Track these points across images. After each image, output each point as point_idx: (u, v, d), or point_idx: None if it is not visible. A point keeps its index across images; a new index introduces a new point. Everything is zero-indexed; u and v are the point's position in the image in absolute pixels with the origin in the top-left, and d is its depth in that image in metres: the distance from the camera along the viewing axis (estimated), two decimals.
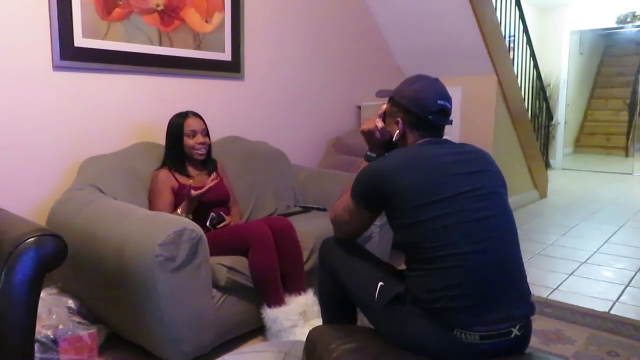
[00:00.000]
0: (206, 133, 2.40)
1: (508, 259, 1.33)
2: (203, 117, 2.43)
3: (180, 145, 2.35)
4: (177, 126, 2.36)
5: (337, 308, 1.71)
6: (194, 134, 2.34)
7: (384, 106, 1.64)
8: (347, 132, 3.85)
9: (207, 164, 2.46)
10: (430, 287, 1.29)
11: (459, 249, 1.28)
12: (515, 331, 1.29)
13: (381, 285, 1.43)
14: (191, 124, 2.35)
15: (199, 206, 2.26)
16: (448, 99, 1.52)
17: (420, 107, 1.48)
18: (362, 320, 1.63)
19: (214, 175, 2.32)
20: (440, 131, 1.53)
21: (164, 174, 2.31)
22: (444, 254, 1.29)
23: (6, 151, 2.23)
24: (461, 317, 1.26)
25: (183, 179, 2.34)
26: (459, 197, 1.33)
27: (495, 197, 1.38)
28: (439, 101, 1.49)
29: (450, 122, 1.56)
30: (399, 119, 1.53)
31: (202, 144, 2.35)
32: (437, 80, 1.55)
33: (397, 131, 1.53)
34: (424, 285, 1.31)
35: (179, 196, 2.28)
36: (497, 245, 1.32)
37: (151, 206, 2.29)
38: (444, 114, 1.51)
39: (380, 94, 1.66)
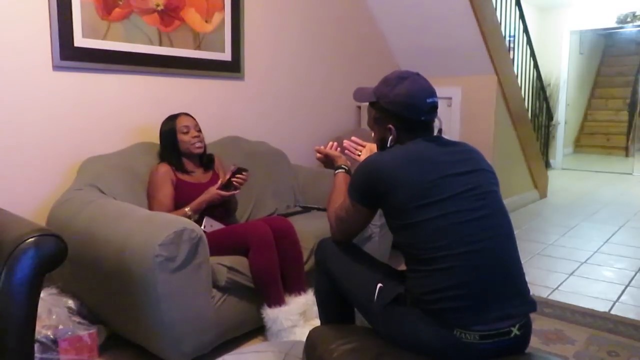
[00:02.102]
0: (199, 129, 2.43)
1: (506, 258, 1.33)
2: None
3: (176, 144, 2.37)
4: (169, 126, 2.39)
5: (334, 309, 1.70)
6: (187, 129, 2.37)
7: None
8: (347, 132, 3.85)
9: (204, 160, 2.48)
10: (430, 288, 1.29)
11: (457, 250, 1.28)
12: (515, 330, 1.28)
13: (380, 287, 1.43)
14: (183, 120, 2.39)
15: None
16: (434, 93, 1.49)
17: (413, 111, 1.46)
18: (361, 320, 1.63)
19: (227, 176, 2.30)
20: (431, 127, 1.51)
21: (164, 167, 2.34)
22: (442, 255, 1.29)
23: (6, 151, 2.22)
24: (461, 317, 1.26)
25: (182, 176, 2.35)
26: (455, 198, 1.33)
27: (491, 195, 1.38)
28: (428, 100, 1.46)
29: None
30: (391, 126, 1.49)
31: (196, 137, 2.39)
32: (419, 75, 1.51)
33: (391, 137, 1.49)
34: (423, 286, 1.31)
35: (178, 190, 2.30)
36: (494, 244, 1.32)
37: (151, 200, 2.29)
38: (434, 110, 1.49)
39: (359, 97, 1.60)
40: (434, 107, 1.48)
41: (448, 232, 1.30)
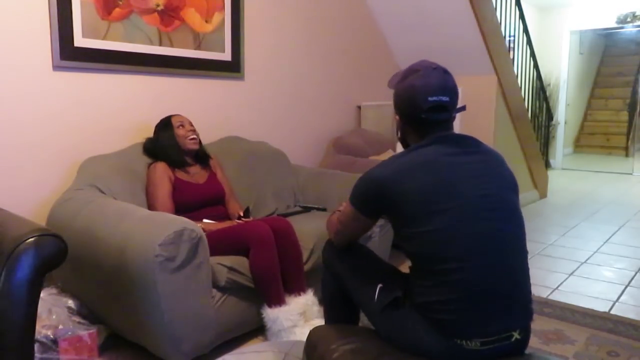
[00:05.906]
0: (193, 127, 2.48)
1: (514, 269, 1.30)
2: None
3: (173, 138, 2.41)
4: (165, 124, 2.45)
5: (339, 308, 1.69)
6: (182, 124, 2.44)
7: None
8: (347, 132, 3.85)
9: (201, 158, 2.51)
10: (434, 298, 1.27)
11: (466, 263, 1.24)
12: (516, 335, 1.28)
13: (380, 287, 1.42)
14: (177, 118, 2.46)
15: (194, 205, 2.30)
16: (445, 92, 1.36)
17: (411, 106, 1.38)
18: (366, 322, 1.63)
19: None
20: (444, 126, 1.40)
21: (162, 165, 2.36)
22: (450, 267, 1.25)
23: (6, 151, 2.22)
24: (463, 330, 1.25)
25: (180, 175, 2.37)
26: (466, 206, 1.27)
27: (505, 204, 1.32)
28: (429, 98, 1.34)
29: (451, 116, 1.41)
30: (397, 117, 1.47)
31: (192, 131, 2.45)
32: (434, 70, 1.38)
33: (399, 130, 1.48)
34: (427, 295, 1.28)
35: (176, 190, 2.32)
36: (504, 257, 1.28)
37: (151, 198, 2.29)
38: (440, 110, 1.36)
39: (389, 82, 1.53)
40: (437, 107, 1.36)
41: (458, 243, 1.25)
